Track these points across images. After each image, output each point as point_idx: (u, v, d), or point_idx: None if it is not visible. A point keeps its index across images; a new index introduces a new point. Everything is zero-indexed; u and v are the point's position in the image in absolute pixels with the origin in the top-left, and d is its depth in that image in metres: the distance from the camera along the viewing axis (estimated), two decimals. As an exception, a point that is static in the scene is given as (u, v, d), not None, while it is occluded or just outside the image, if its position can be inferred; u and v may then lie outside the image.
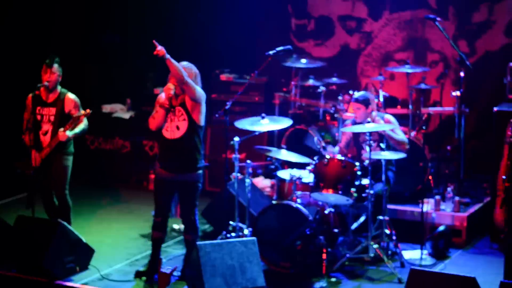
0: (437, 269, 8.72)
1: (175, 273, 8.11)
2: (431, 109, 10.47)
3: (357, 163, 8.82)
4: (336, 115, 10.42)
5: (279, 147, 9.27)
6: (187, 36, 11.98)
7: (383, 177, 8.84)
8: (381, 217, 8.93)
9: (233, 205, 9.17)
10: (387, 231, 8.95)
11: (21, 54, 11.39)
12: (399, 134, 9.14)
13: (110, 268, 8.74)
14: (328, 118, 10.65)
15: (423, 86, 10.50)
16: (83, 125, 8.86)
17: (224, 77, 11.71)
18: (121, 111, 11.99)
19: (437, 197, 9.74)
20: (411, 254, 9.12)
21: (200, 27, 12.08)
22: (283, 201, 8.82)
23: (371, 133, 8.74)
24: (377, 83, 10.72)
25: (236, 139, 9.10)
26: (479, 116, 11.07)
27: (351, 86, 11.04)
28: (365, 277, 8.62)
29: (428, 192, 9.84)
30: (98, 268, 8.63)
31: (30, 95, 8.95)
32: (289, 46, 9.43)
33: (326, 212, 8.94)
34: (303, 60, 10.98)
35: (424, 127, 9.66)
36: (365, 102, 9.19)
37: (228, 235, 9.17)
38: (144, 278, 8.41)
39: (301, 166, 9.32)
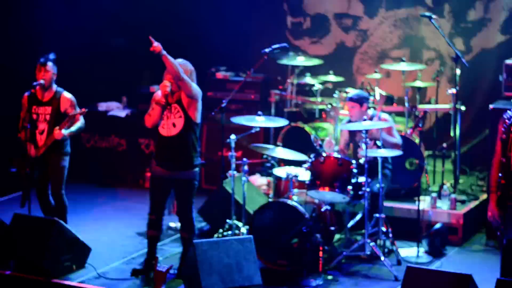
0: (434, 266, 8.73)
1: (171, 271, 8.10)
2: (427, 107, 10.47)
3: (353, 161, 8.83)
4: (332, 113, 10.42)
5: (275, 145, 9.28)
6: (183, 34, 11.97)
7: (380, 175, 8.85)
8: (377, 215, 8.94)
9: (230, 203, 9.18)
10: (384, 229, 8.95)
11: (16, 53, 11.36)
12: (395, 136, 9.15)
13: (107, 266, 8.74)
14: (324, 116, 10.65)
15: (419, 83, 10.51)
16: (79, 123, 8.87)
17: (220, 75, 11.70)
18: (117, 109, 11.98)
19: (433, 194, 9.75)
20: (408, 251, 9.13)
21: (196, 25, 12.07)
22: (279, 199, 8.82)
23: (367, 131, 8.75)
24: (373, 81, 10.73)
25: (233, 137, 9.10)
26: (475, 114, 11.09)
27: (347, 84, 11.06)
28: (361, 274, 8.62)
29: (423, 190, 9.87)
30: (95, 266, 8.63)
31: (26, 94, 8.94)
32: (284, 44, 9.43)
33: (322, 210, 8.94)
34: (299, 58, 10.99)
35: (420, 125, 9.67)
36: (360, 101, 9.20)
37: (225, 233, 9.18)
38: (140, 276, 8.42)
39: (298, 163, 9.33)
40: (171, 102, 8.25)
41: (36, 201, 8.95)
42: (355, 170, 8.78)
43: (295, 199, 8.74)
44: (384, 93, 10.58)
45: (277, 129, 10.63)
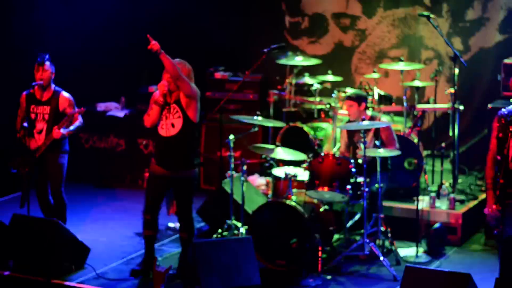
0: (433, 266, 8.74)
1: (170, 272, 8.10)
2: (426, 106, 10.48)
3: (351, 161, 8.83)
4: (330, 113, 10.43)
5: (275, 145, 9.28)
6: (181, 34, 11.96)
7: (379, 175, 8.85)
8: (376, 215, 8.94)
9: (228, 203, 9.18)
10: (383, 229, 8.96)
11: (16, 53, 11.36)
12: (394, 140, 9.14)
13: (106, 267, 8.74)
14: (322, 115, 10.66)
15: (417, 83, 10.52)
16: (78, 122, 8.89)
17: (218, 75, 11.69)
18: (116, 110, 11.97)
19: (432, 194, 9.75)
20: (407, 251, 9.13)
21: (194, 25, 12.07)
22: (278, 199, 8.83)
23: (365, 131, 8.75)
24: (372, 80, 10.73)
25: (231, 137, 9.11)
26: (473, 113, 11.10)
27: (345, 84, 11.06)
28: (360, 274, 8.63)
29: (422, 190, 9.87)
30: (94, 266, 8.63)
31: (24, 93, 8.96)
32: (283, 44, 9.43)
33: (321, 210, 8.95)
34: (298, 58, 10.99)
35: (418, 125, 9.67)
36: (358, 99, 9.20)
37: (224, 233, 9.18)
38: (139, 276, 8.42)
39: (297, 163, 9.33)
40: (170, 102, 8.25)
41: (35, 201, 8.95)
42: (353, 169, 8.78)
43: (294, 199, 8.74)
44: (382, 93, 10.58)
45: (276, 129, 10.63)
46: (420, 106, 10.44)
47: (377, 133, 9.09)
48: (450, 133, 10.27)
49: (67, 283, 8.28)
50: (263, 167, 10.52)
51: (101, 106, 12.03)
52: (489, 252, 9.21)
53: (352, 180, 8.76)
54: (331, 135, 10.20)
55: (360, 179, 8.78)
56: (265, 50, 9.27)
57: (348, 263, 8.81)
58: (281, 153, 9.09)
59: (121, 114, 11.85)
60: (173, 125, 8.23)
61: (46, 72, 8.83)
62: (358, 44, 11.84)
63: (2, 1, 11.44)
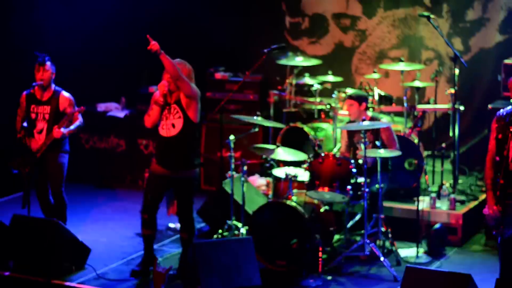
0: (433, 267, 8.73)
1: (170, 272, 8.09)
2: (426, 107, 10.47)
3: (352, 161, 8.82)
4: (330, 113, 10.42)
5: (275, 145, 9.28)
6: (181, 34, 11.96)
7: (379, 175, 8.85)
8: (376, 215, 8.94)
9: (229, 204, 9.17)
10: (383, 229, 8.95)
11: (16, 53, 11.35)
12: (394, 141, 9.14)
13: (106, 267, 8.74)
14: (323, 116, 10.65)
15: (417, 83, 10.52)
16: (78, 122, 8.91)
17: (218, 75, 11.69)
18: (116, 110, 11.97)
19: (433, 195, 9.74)
20: (407, 252, 9.13)
21: (194, 25, 12.06)
22: (278, 200, 8.82)
23: (365, 132, 8.75)
24: (372, 81, 10.73)
25: (232, 137, 9.11)
26: (473, 114, 11.09)
27: (345, 84, 11.06)
28: (361, 275, 8.62)
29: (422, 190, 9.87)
30: (94, 267, 8.63)
31: (24, 93, 8.97)
32: (283, 44, 9.42)
33: (321, 210, 8.94)
34: (298, 58, 10.99)
35: (419, 125, 9.67)
36: (358, 99, 9.20)
37: (224, 234, 9.17)
38: (139, 277, 8.41)
39: (297, 164, 9.32)
40: (170, 102, 8.25)
41: (35, 202, 8.95)
42: (354, 170, 8.78)
43: (294, 200, 8.74)
44: (382, 93, 10.58)
45: (276, 130, 10.63)
46: (420, 106, 10.44)
47: (377, 133, 9.10)
48: (451, 134, 10.27)
49: (67, 283, 8.28)
50: (264, 168, 10.51)
51: (101, 107, 12.03)
52: (490, 252, 9.21)
53: (352, 181, 8.76)
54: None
55: (361, 180, 8.79)
56: (265, 50, 9.27)
57: (348, 263, 8.81)
58: (282, 153, 9.08)
59: (121, 114, 11.85)
60: (173, 126, 8.23)
61: (46, 72, 8.83)
62: (359, 44, 11.84)
63: (2, 1, 11.44)
